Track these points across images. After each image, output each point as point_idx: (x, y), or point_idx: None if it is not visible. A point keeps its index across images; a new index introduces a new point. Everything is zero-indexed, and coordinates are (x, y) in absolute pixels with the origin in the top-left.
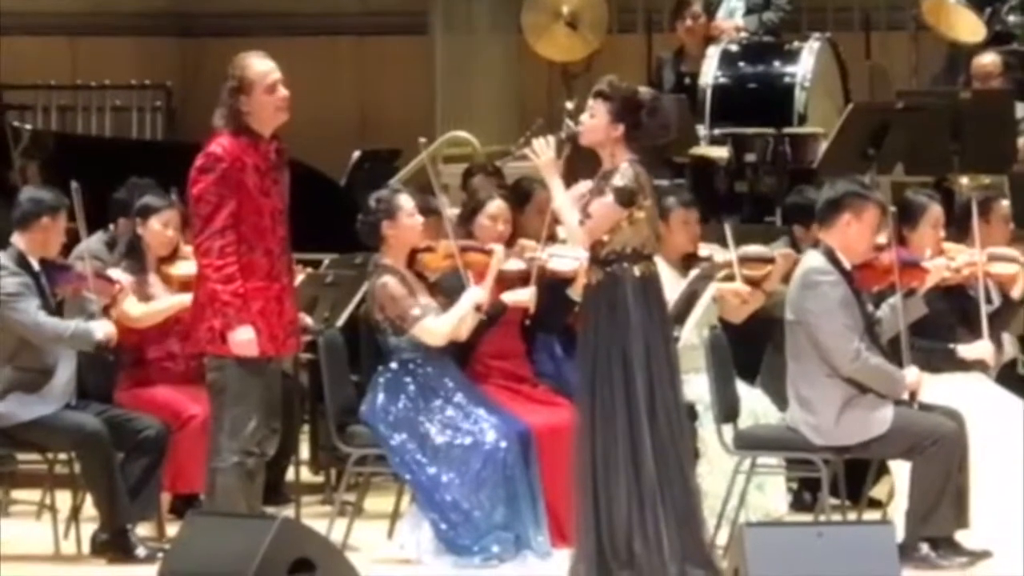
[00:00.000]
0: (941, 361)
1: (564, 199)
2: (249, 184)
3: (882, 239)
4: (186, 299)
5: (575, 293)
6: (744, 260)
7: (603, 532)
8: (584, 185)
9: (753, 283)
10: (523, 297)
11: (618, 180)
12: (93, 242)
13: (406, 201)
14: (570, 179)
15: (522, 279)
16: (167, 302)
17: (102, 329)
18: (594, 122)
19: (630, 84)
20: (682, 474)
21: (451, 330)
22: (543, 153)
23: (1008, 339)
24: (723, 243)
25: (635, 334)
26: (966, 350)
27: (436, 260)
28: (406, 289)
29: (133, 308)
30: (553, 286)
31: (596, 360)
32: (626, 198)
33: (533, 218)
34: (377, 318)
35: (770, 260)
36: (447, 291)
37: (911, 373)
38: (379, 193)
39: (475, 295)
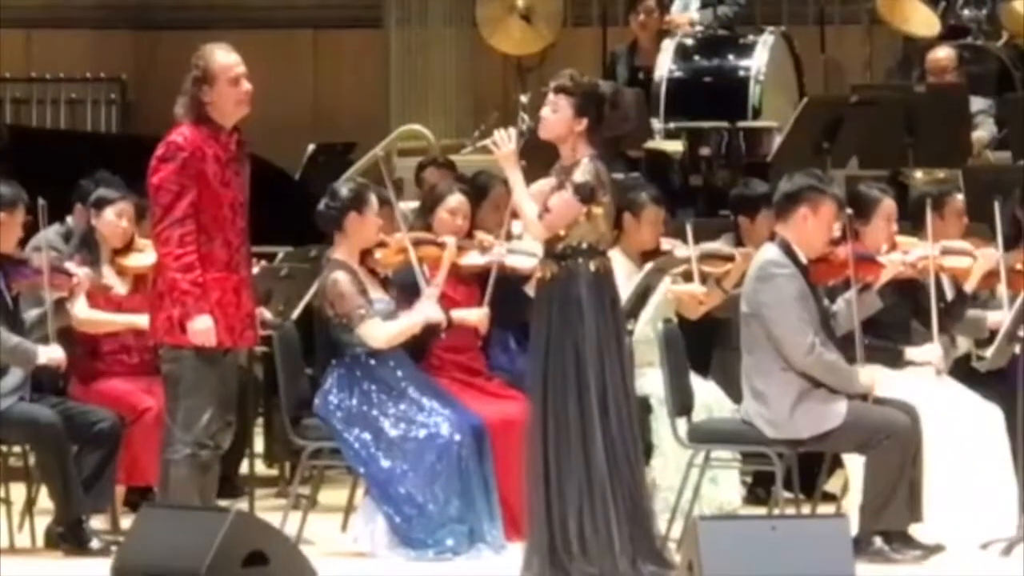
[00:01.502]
0: (890, 361)
1: (523, 191)
2: (209, 174)
3: (836, 233)
4: (136, 320)
5: (532, 289)
6: (704, 257)
7: (555, 525)
8: (546, 182)
9: (711, 279)
10: (472, 318)
11: (579, 176)
12: (50, 234)
13: (374, 199)
14: (526, 173)
15: (479, 274)
16: (118, 319)
17: (47, 354)
18: (557, 116)
19: (591, 78)
20: (632, 468)
21: (393, 339)
22: (504, 145)
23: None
24: (681, 237)
25: (588, 329)
26: (914, 353)
27: (389, 255)
28: (356, 287)
29: (82, 311)
30: (509, 281)
31: (549, 354)
32: (586, 194)
33: (490, 213)
34: (328, 313)
35: (730, 258)
36: (401, 287)
37: (866, 374)
38: (349, 184)
39: (429, 312)
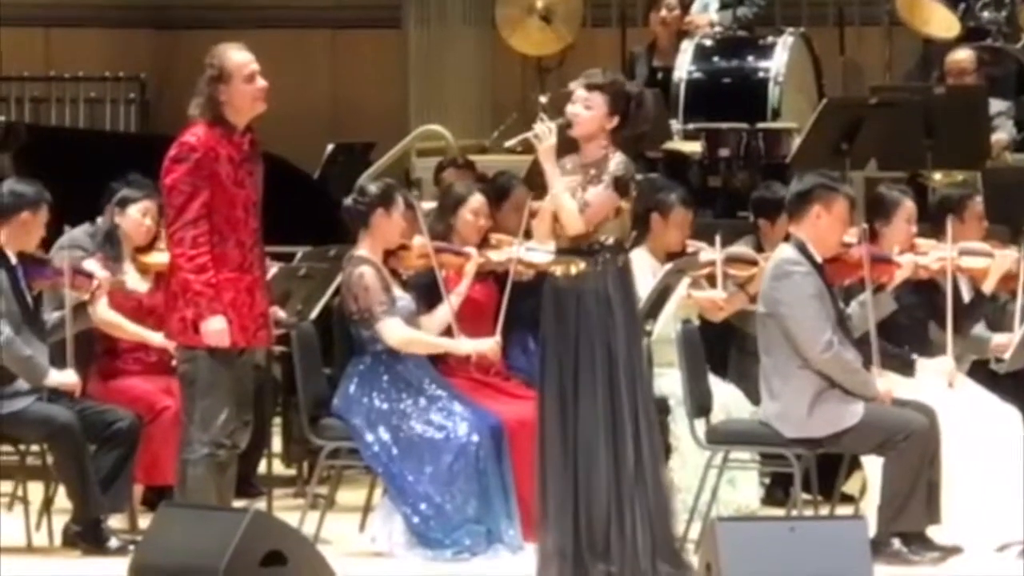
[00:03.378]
0: (902, 369)
1: (562, 186)
2: (222, 175)
3: (850, 238)
4: (148, 335)
5: None
6: (729, 261)
7: (581, 526)
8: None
9: (732, 283)
10: (485, 348)
11: (617, 170)
12: (78, 234)
13: (401, 199)
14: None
15: (497, 273)
16: (132, 328)
17: (59, 378)
18: (592, 114)
19: (618, 76)
20: (657, 467)
21: (409, 344)
22: (546, 139)
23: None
24: (704, 239)
25: (619, 326)
26: (926, 364)
27: (411, 258)
28: (381, 283)
29: (105, 312)
30: (527, 281)
31: (578, 350)
32: (623, 188)
33: (510, 214)
34: (351, 308)
35: (754, 262)
36: (419, 290)
37: (883, 384)
38: (377, 182)
39: (467, 347)
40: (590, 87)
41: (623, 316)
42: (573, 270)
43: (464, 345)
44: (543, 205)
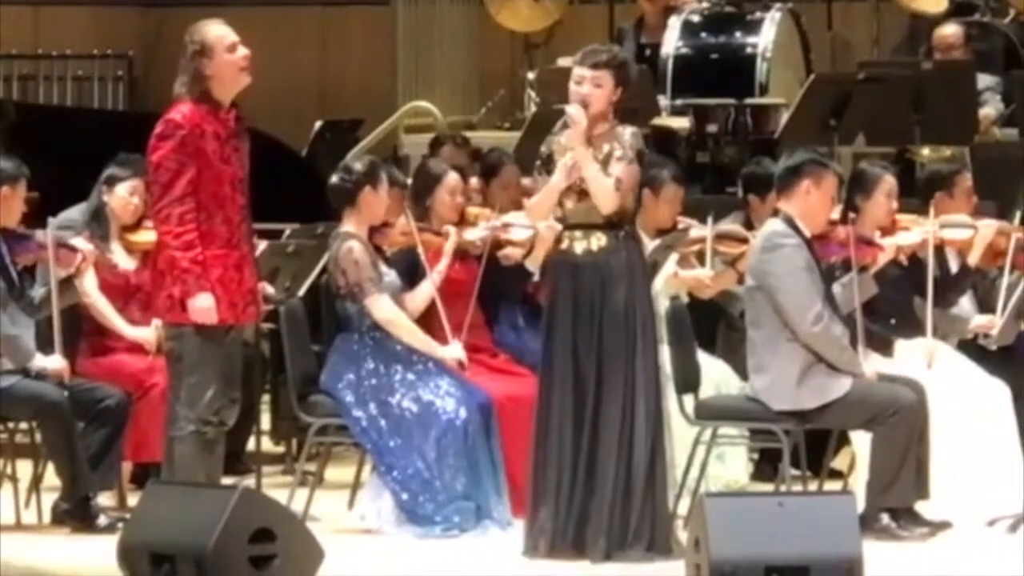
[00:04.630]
0: (879, 348)
1: (594, 166)
2: (208, 151)
3: (834, 215)
4: (130, 331)
5: (532, 263)
6: (719, 238)
7: (586, 502)
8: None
9: (720, 260)
10: (451, 356)
11: (637, 142)
12: (73, 213)
13: (386, 177)
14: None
15: (477, 251)
16: (118, 324)
17: (45, 363)
18: (603, 91)
19: (612, 46)
20: (662, 446)
21: (391, 324)
22: (581, 120)
23: (969, 307)
24: (695, 215)
25: (642, 298)
26: (903, 345)
27: (395, 235)
28: (370, 258)
29: (92, 289)
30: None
31: (603, 325)
32: (643, 161)
33: (498, 191)
34: (339, 283)
35: (744, 240)
36: (401, 267)
37: (868, 366)
38: (363, 159)
39: (451, 353)
40: (595, 65)
41: (644, 288)
42: (595, 245)
43: (441, 351)
44: (553, 183)
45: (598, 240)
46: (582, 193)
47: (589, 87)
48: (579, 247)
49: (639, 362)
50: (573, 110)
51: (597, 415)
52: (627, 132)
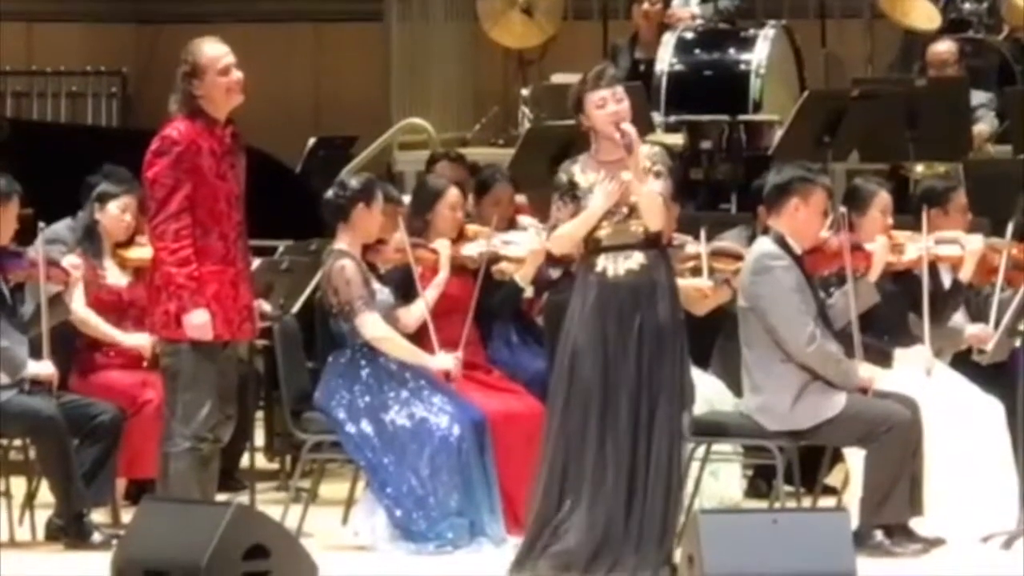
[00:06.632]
0: (879, 361)
1: (648, 183)
2: (204, 168)
3: (824, 232)
4: (121, 337)
5: (523, 280)
6: (714, 254)
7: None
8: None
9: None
10: (447, 366)
11: (667, 158)
12: (60, 228)
13: (380, 194)
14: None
15: (474, 266)
16: (111, 332)
17: (37, 368)
18: (627, 103)
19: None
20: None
21: (381, 343)
22: (637, 139)
23: (962, 322)
24: (692, 231)
25: (675, 314)
26: (902, 354)
27: (389, 253)
28: (362, 277)
29: (79, 306)
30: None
31: (641, 345)
32: (674, 176)
33: (488, 208)
34: (331, 302)
35: (739, 256)
36: (395, 284)
37: (865, 369)
38: (358, 176)
39: (439, 363)
40: (611, 83)
41: (673, 303)
42: (635, 264)
43: (431, 361)
44: (594, 207)
45: (637, 260)
46: (629, 213)
47: (616, 105)
48: (619, 268)
49: (681, 377)
50: (630, 128)
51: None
52: (654, 148)
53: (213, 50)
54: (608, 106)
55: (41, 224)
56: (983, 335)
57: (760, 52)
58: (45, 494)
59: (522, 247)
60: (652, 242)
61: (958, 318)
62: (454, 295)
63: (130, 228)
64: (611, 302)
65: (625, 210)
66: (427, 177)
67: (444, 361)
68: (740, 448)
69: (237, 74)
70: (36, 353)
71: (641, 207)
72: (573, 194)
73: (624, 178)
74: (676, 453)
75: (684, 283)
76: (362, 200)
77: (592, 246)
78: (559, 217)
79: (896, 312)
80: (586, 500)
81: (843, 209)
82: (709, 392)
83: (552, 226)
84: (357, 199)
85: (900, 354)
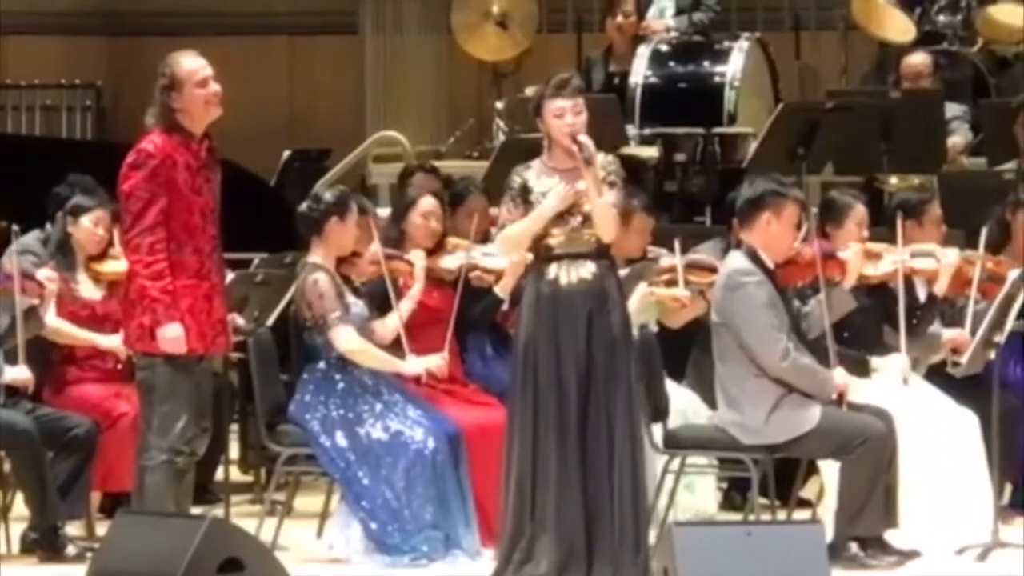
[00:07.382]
0: (856, 370)
1: (604, 193)
2: (180, 181)
3: (797, 244)
4: (99, 339)
5: (502, 292)
6: (689, 267)
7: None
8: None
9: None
10: (431, 366)
11: (621, 170)
12: (30, 240)
13: (355, 207)
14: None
15: (452, 278)
16: (82, 335)
17: (12, 374)
18: (585, 116)
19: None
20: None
21: (356, 355)
22: (594, 150)
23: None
24: (667, 244)
25: (622, 325)
26: (879, 362)
27: (364, 265)
28: (335, 290)
29: (53, 320)
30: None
31: (591, 352)
32: (626, 187)
33: (463, 219)
34: (305, 316)
35: (714, 269)
36: (371, 297)
37: (839, 375)
38: (332, 189)
39: (410, 368)
40: (573, 93)
41: (624, 314)
42: (586, 273)
43: (409, 366)
44: (544, 208)
45: (588, 269)
46: (583, 222)
47: (574, 117)
48: (570, 276)
49: (634, 386)
50: (588, 141)
51: (607, 442)
52: (608, 157)
53: (191, 63)
54: (566, 117)
55: (13, 229)
56: (960, 339)
57: (735, 64)
58: (20, 507)
59: (502, 259)
60: (603, 253)
61: (935, 325)
62: (434, 307)
63: (103, 241)
64: (564, 309)
65: (579, 219)
66: (405, 187)
67: (417, 365)
68: (715, 461)
69: (215, 87)
70: (11, 362)
71: (595, 217)
72: (525, 197)
73: (579, 187)
74: (639, 463)
75: (662, 293)
76: (336, 214)
77: (544, 253)
78: (508, 219)
79: (872, 325)
80: (551, 517)
81: (815, 209)
82: (683, 404)
83: (500, 226)
84: (331, 213)
85: (877, 363)
